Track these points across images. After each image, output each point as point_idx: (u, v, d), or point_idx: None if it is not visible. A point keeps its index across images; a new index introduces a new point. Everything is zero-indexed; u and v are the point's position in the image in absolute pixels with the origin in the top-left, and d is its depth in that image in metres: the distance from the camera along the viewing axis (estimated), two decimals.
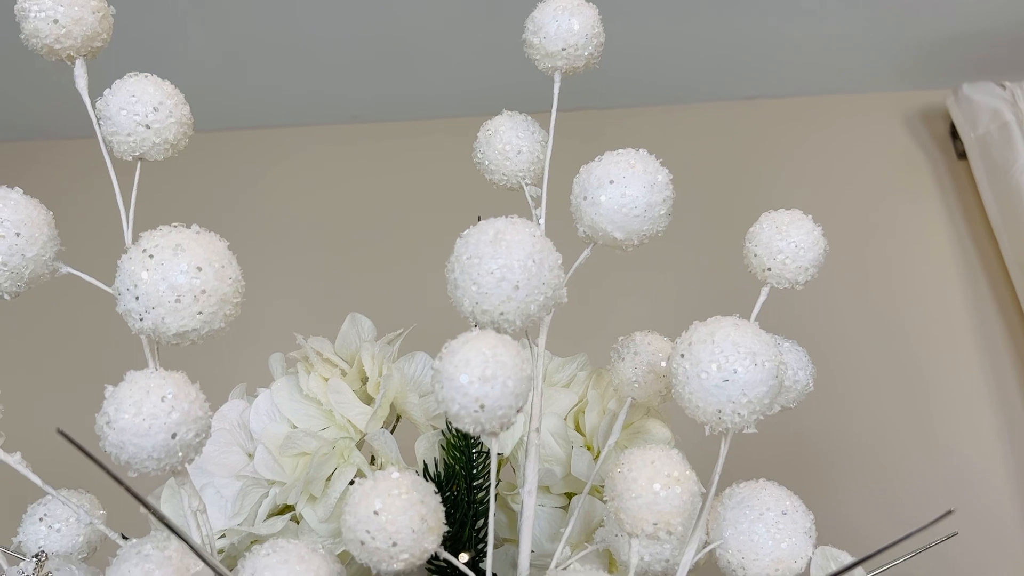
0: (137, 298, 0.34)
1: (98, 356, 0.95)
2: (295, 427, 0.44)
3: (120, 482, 0.27)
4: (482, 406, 0.32)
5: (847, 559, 0.39)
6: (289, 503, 0.43)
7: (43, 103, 1.15)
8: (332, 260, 1.05)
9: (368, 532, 0.32)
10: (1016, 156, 1.08)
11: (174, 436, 0.31)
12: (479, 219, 0.47)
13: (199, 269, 0.34)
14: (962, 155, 1.20)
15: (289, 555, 0.34)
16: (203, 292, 0.34)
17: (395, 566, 0.33)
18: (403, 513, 0.32)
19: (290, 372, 0.46)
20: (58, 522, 0.42)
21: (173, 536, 0.33)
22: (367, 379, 0.47)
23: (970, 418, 1.04)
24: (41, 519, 0.42)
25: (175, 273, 0.34)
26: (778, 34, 1.14)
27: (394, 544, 0.32)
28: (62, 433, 0.26)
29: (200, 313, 0.34)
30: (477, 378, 0.32)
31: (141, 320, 0.34)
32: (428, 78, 1.15)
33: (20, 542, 0.43)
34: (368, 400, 0.45)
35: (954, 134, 1.20)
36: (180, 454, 0.32)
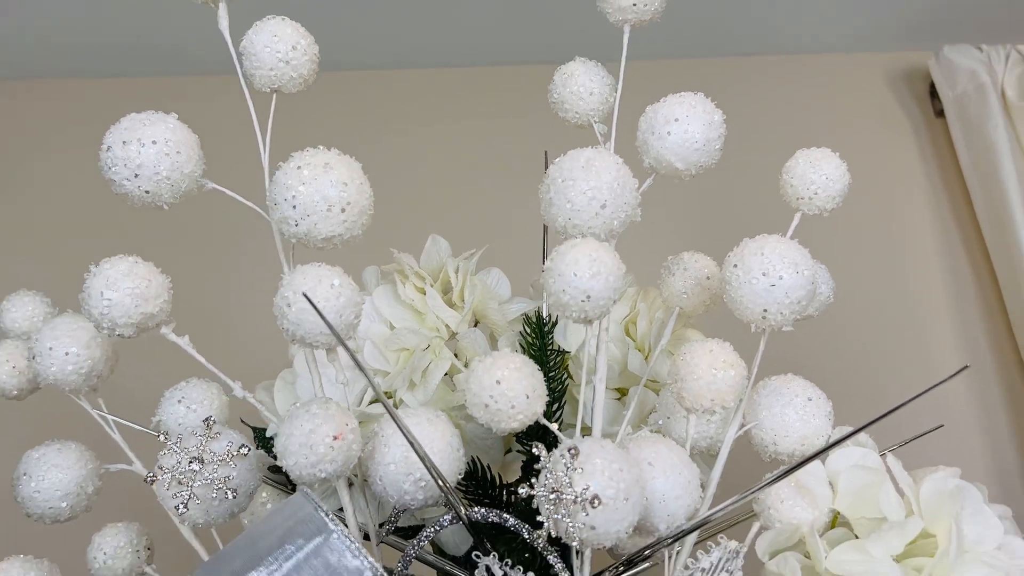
0: (294, 207, 0.41)
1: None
2: (393, 327, 0.51)
3: (342, 341, 0.34)
4: (588, 297, 0.39)
5: (868, 440, 0.48)
6: (389, 390, 0.50)
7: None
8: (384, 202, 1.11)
9: (492, 397, 0.40)
10: (990, 114, 1.17)
11: (340, 316, 0.38)
12: (546, 153, 0.54)
13: (345, 184, 0.41)
14: (940, 113, 1.28)
15: (420, 418, 0.41)
16: (348, 204, 0.41)
17: (512, 425, 0.40)
18: (519, 383, 0.40)
19: (384, 282, 0.53)
20: (194, 403, 0.49)
21: (331, 400, 0.40)
22: (448, 291, 0.54)
23: (942, 348, 1.14)
24: (179, 400, 0.49)
25: (327, 186, 0.41)
26: None
27: (512, 407, 0.40)
28: (306, 297, 0.33)
29: (345, 221, 0.41)
30: (586, 274, 0.39)
31: (296, 225, 0.41)
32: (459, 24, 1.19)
33: (159, 420, 0.50)
34: (452, 307, 0.52)
35: (933, 94, 1.29)
36: (343, 332, 0.39)
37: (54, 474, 0.49)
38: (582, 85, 0.50)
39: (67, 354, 0.49)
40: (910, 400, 0.39)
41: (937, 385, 0.38)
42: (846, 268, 1.17)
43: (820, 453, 0.42)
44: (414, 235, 0.57)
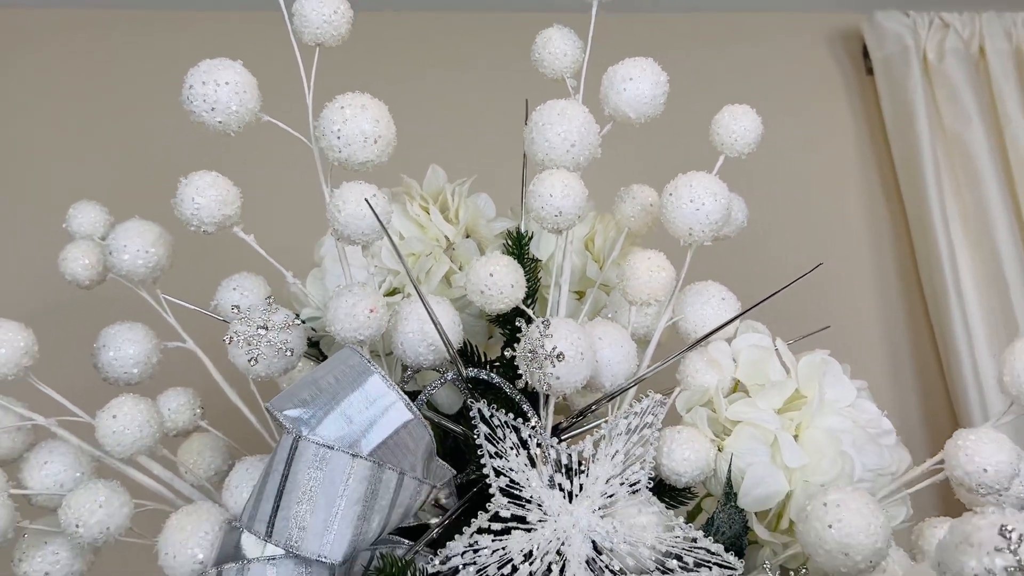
0: (339, 137, 0.53)
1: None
2: (403, 237, 0.65)
3: (388, 235, 0.47)
4: (560, 212, 0.53)
5: (762, 328, 0.63)
6: (400, 287, 0.64)
7: None
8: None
9: (486, 286, 0.54)
10: (911, 75, 1.32)
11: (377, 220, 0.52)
12: (527, 101, 0.67)
13: (377, 121, 0.54)
14: (870, 71, 1.42)
15: (431, 300, 0.55)
16: (380, 136, 0.54)
17: (500, 307, 0.55)
18: (506, 276, 0.54)
19: (395, 202, 0.66)
20: (245, 291, 0.62)
21: (366, 284, 0.54)
22: (445, 210, 0.67)
23: (855, 286, 1.32)
24: (234, 288, 0.62)
25: (364, 123, 0.53)
26: None
27: (501, 293, 0.54)
28: (367, 202, 0.46)
29: (377, 149, 0.54)
30: (559, 195, 0.53)
31: (339, 152, 0.54)
32: None
33: (217, 304, 0.63)
34: (449, 223, 0.66)
35: (865, 53, 1.43)
36: (379, 233, 0.52)
37: (128, 346, 0.61)
38: (557, 47, 0.63)
39: (138, 251, 0.61)
40: (770, 296, 0.55)
41: (794, 282, 0.53)
42: (780, 201, 1.34)
43: (716, 331, 0.57)
44: (416, 164, 0.70)
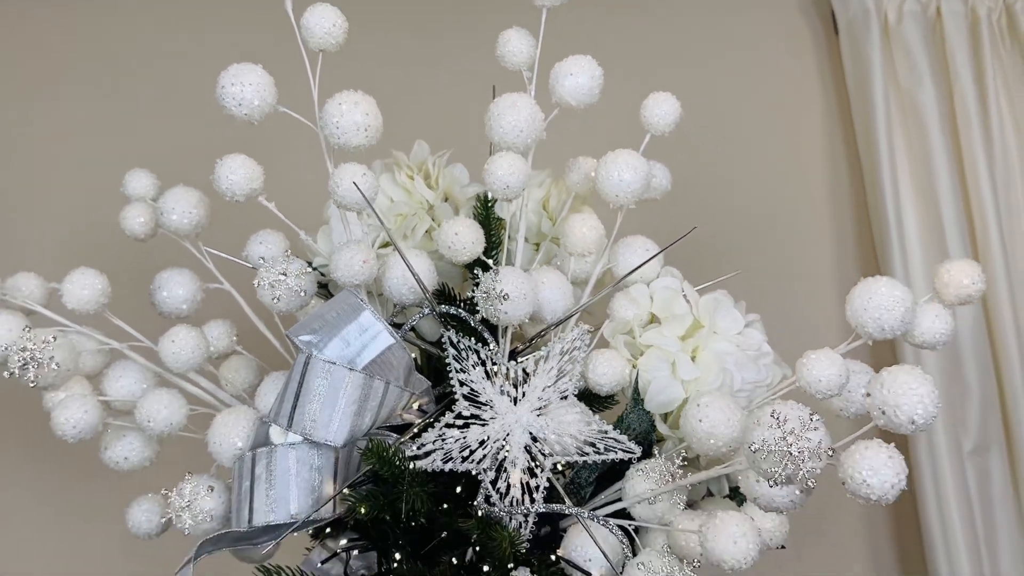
0: (337, 127, 0.69)
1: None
2: (392, 201, 0.81)
3: (372, 208, 0.64)
4: (507, 186, 0.69)
5: (677, 273, 0.79)
6: (388, 241, 0.80)
7: None
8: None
9: (452, 242, 0.70)
10: (870, 37, 1.44)
11: (368, 193, 0.68)
12: (494, 88, 0.81)
13: (367, 114, 0.69)
14: (838, 31, 1.54)
15: (411, 254, 0.72)
16: (370, 126, 0.69)
17: (464, 258, 0.71)
18: (468, 235, 0.70)
19: (385, 171, 0.82)
20: (269, 244, 0.78)
21: (361, 241, 0.70)
22: (428, 178, 0.83)
23: (814, 227, 1.47)
24: (260, 243, 0.79)
25: (357, 115, 0.69)
26: None
27: (464, 248, 0.70)
28: (356, 184, 0.62)
29: (368, 136, 0.70)
30: (506, 174, 0.69)
31: (338, 139, 0.69)
32: None
33: (247, 255, 0.79)
34: (430, 188, 0.82)
35: (834, 14, 1.54)
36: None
37: (177, 288, 0.78)
38: (515, 46, 0.77)
39: (184, 211, 0.77)
40: (665, 248, 0.70)
41: (669, 246, 0.69)
42: (750, 149, 1.48)
43: (629, 274, 0.73)
44: (405, 138, 0.86)
